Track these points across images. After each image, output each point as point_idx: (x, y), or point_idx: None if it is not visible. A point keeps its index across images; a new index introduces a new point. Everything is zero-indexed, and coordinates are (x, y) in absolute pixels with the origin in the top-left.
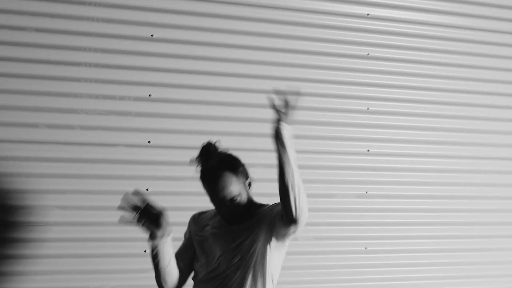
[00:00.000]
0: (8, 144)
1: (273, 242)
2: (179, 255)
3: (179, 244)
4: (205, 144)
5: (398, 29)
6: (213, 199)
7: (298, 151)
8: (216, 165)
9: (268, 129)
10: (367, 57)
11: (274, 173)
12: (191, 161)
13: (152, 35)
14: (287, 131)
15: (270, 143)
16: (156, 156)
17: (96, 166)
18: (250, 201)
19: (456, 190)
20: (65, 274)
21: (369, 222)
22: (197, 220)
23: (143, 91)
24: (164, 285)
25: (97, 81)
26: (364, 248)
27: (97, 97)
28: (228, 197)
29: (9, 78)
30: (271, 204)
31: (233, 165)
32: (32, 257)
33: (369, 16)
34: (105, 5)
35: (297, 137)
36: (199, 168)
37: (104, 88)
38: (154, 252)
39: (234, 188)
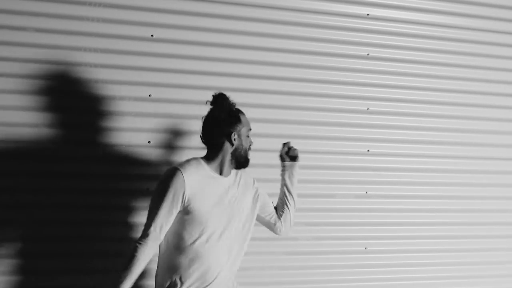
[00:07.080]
0: (7, 143)
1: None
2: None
3: None
4: (219, 93)
5: (398, 29)
6: (246, 130)
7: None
8: None
9: (269, 129)
10: (367, 57)
11: (274, 173)
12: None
13: (152, 35)
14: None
15: (270, 143)
16: (156, 156)
17: (96, 166)
18: None
19: (456, 191)
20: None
21: (369, 222)
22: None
23: (143, 91)
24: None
25: (97, 81)
26: (364, 248)
27: (97, 97)
28: None
29: (9, 78)
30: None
31: None
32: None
33: (369, 16)
34: (105, 5)
35: (298, 137)
36: (225, 104)
37: (104, 88)
38: None
39: None
